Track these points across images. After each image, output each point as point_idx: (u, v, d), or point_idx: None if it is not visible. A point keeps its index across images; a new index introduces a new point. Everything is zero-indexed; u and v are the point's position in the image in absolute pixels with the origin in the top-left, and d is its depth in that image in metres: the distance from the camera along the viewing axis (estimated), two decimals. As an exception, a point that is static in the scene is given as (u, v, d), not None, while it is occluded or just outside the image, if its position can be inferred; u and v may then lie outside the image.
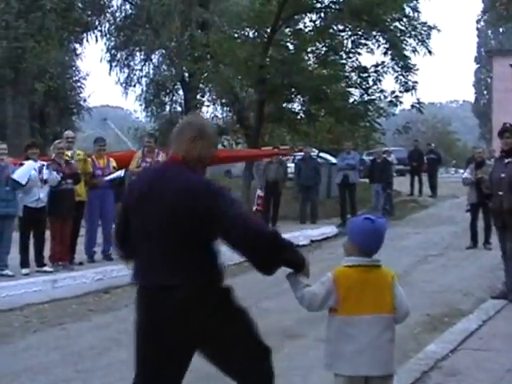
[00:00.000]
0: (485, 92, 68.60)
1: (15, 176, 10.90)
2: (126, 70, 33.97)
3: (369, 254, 4.16)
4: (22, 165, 11.25)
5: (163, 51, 32.02)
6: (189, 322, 3.78)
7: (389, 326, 4.07)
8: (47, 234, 11.79)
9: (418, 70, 22.01)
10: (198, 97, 31.97)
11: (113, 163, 12.97)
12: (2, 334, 8.54)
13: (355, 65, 22.58)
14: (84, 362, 7.24)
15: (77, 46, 31.53)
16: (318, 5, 22.39)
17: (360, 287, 4.05)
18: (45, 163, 11.57)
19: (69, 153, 12.25)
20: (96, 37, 31.16)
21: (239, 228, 3.72)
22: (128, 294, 11.05)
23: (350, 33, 22.57)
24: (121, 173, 12.94)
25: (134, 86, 34.44)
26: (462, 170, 31.65)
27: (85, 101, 34.35)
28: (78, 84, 33.70)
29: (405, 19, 21.35)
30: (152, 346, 3.95)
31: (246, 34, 23.67)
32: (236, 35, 23.64)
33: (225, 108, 28.79)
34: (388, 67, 21.98)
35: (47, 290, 10.74)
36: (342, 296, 4.03)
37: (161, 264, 3.82)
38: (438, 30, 21.80)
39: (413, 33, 21.24)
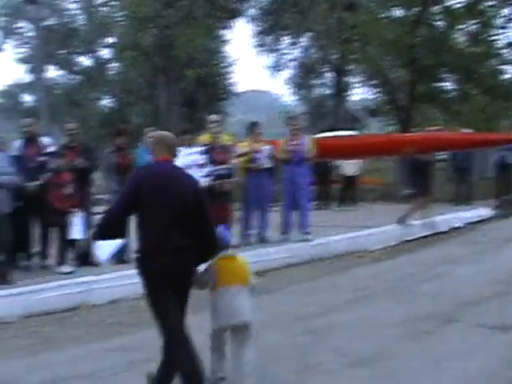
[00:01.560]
0: None
1: None
2: (274, 55, 34.15)
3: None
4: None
5: (311, 34, 31.92)
6: (190, 265, 5.46)
7: None
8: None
9: None
10: (348, 79, 31.73)
11: (268, 149, 12.91)
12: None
13: (507, 41, 21.76)
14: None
15: (224, 32, 31.86)
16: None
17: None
18: (202, 148, 11.75)
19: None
20: (243, 22, 31.46)
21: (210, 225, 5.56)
22: (283, 276, 11.15)
23: (500, 8, 21.77)
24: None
25: (282, 69, 34.58)
26: None
27: (233, 86, 34.73)
28: (227, 70, 34.05)
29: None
30: (169, 284, 5.29)
31: (394, 14, 23.27)
32: (383, 15, 23.27)
33: (375, 89, 28.35)
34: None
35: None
36: None
37: (177, 233, 5.30)
38: None
39: None
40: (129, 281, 9.65)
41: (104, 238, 5.97)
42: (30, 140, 10.84)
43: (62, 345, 7.46)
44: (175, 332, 5.32)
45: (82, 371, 6.49)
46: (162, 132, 6.04)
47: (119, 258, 10.78)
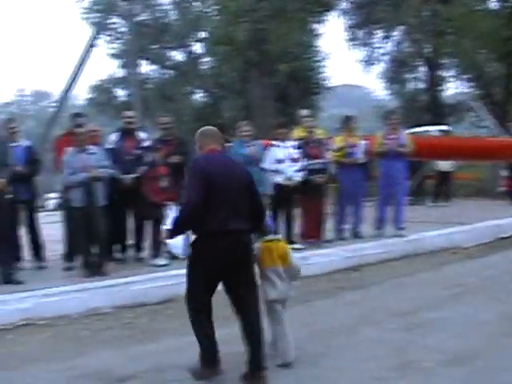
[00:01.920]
0: None
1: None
2: (366, 48, 33.81)
3: None
4: (271, 145, 11.50)
5: (404, 27, 31.46)
6: (247, 247, 6.07)
7: None
8: (297, 211, 11.96)
9: None
10: (441, 73, 31.20)
11: (364, 143, 12.76)
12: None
13: None
14: (334, 338, 7.22)
15: (317, 26, 31.67)
16: None
17: None
18: (296, 142, 11.73)
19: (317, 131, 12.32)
20: (335, 16, 31.22)
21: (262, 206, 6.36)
22: (377, 272, 11.07)
23: None
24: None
25: (375, 64, 34.21)
26: None
27: (326, 81, 34.53)
28: (319, 64, 33.86)
29: None
30: (224, 264, 5.90)
31: (489, 6, 22.75)
32: (479, 8, 22.78)
33: (469, 83, 27.78)
34: None
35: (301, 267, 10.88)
36: None
37: (240, 218, 5.88)
38: None
39: None
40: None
41: (185, 231, 6.30)
42: (127, 133, 10.95)
43: (157, 336, 7.53)
44: (204, 311, 6.12)
45: (177, 362, 6.52)
46: (207, 127, 6.53)
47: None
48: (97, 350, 7.16)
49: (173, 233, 6.09)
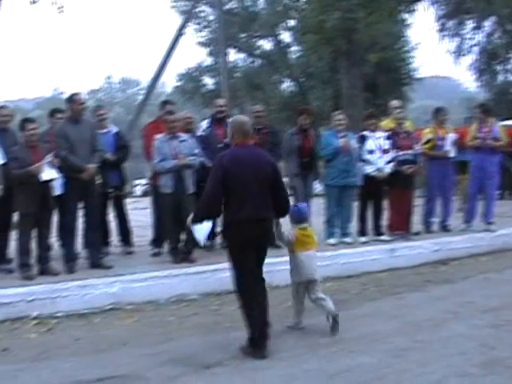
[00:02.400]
0: None
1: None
2: (457, 39, 33.21)
3: None
4: (362, 136, 11.42)
5: (495, 18, 30.77)
6: (268, 234, 6.79)
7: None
8: (385, 203, 11.88)
9: None
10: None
11: (453, 136, 12.52)
12: (339, 300, 8.65)
13: None
14: (421, 332, 7.13)
15: (407, 15, 31.26)
16: None
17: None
18: (386, 133, 11.60)
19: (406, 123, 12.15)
20: (425, 6, 30.72)
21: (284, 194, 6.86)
22: (465, 266, 10.90)
23: None
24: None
25: (465, 55, 33.58)
26: None
27: (415, 71, 34.11)
28: (408, 54, 33.48)
29: None
30: (249, 248, 6.57)
31: None
32: None
33: None
34: None
35: (385, 258, 10.88)
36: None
37: (262, 206, 6.52)
38: None
39: None
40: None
41: (205, 220, 6.74)
42: (218, 121, 10.99)
43: (244, 324, 7.53)
44: (248, 288, 6.63)
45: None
46: (240, 117, 7.18)
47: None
48: (183, 336, 7.25)
49: (193, 220, 6.71)
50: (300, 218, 7.40)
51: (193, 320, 7.95)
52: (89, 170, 9.40)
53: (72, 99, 9.60)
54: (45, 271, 9.12)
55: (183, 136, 10.10)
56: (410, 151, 11.59)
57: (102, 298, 8.49)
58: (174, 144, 9.89)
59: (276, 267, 9.57)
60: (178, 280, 9.06)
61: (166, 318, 8.03)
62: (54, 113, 10.57)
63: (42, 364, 6.35)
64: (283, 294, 8.36)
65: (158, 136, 10.03)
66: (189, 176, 9.95)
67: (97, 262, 9.67)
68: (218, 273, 9.28)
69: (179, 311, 8.37)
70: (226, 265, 9.30)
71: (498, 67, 33.77)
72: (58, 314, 8.12)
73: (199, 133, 10.95)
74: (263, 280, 6.79)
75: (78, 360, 6.45)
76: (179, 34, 30.01)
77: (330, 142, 11.13)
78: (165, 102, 11.21)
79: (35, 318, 7.95)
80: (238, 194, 6.43)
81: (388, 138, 11.53)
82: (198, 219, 6.70)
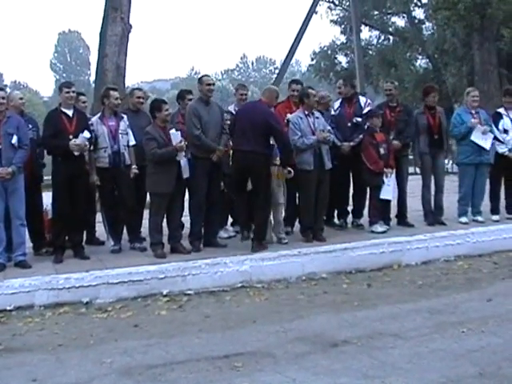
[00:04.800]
0: None
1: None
2: None
3: None
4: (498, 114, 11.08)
5: None
6: (257, 163, 9.16)
7: None
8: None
9: None
10: None
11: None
12: (470, 279, 8.51)
13: None
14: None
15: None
16: None
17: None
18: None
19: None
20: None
21: (281, 135, 9.31)
22: None
23: None
24: None
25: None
26: None
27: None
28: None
29: None
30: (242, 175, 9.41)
31: None
32: None
33: None
34: None
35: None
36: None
37: (254, 142, 9.08)
38: None
39: None
40: (442, 242, 9.73)
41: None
42: (348, 100, 10.94)
43: (373, 303, 7.52)
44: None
45: (389, 330, 6.56)
46: (270, 86, 10.90)
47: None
48: (312, 314, 7.29)
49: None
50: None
51: (322, 298, 7.98)
52: (219, 151, 9.57)
53: (200, 80, 9.80)
54: (176, 249, 9.35)
55: (317, 114, 10.08)
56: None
57: (232, 275, 8.65)
58: (311, 120, 9.89)
59: (406, 246, 9.52)
60: (308, 259, 9.11)
61: (296, 296, 8.09)
62: (182, 94, 10.70)
63: (172, 340, 6.52)
64: (414, 272, 8.28)
65: (296, 113, 10.06)
66: (327, 152, 9.94)
67: (211, 241, 9.85)
68: (348, 252, 9.32)
69: (308, 289, 8.42)
70: (357, 244, 9.32)
71: None
72: (189, 292, 8.32)
73: (332, 112, 10.91)
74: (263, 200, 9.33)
75: (207, 337, 6.59)
76: (312, 12, 29.94)
77: (463, 119, 10.87)
78: (292, 81, 11.21)
79: (166, 296, 8.18)
80: (238, 132, 9.50)
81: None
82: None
